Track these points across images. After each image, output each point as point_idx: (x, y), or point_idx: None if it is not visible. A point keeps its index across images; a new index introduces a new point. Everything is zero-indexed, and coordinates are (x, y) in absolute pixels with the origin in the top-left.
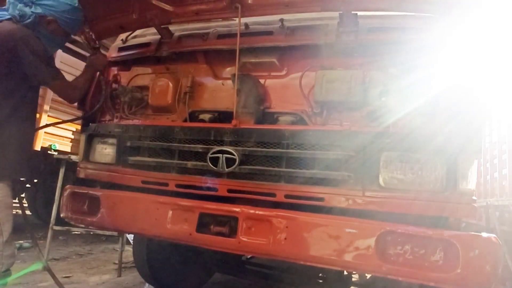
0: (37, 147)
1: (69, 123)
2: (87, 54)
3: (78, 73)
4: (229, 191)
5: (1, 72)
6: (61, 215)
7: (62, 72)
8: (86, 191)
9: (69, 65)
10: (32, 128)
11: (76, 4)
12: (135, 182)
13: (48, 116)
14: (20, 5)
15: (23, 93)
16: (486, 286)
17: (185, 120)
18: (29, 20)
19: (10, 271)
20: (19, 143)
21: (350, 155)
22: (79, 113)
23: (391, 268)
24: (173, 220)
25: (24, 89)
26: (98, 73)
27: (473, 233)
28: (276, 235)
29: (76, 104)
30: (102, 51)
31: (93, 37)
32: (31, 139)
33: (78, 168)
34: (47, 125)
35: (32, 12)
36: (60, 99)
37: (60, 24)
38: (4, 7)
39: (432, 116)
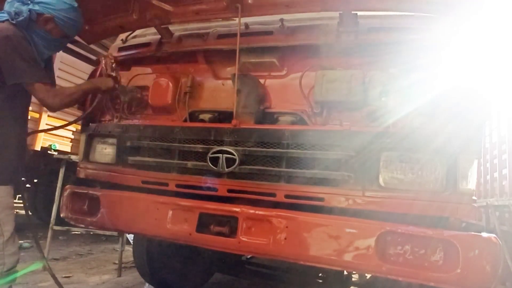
0: (37, 147)
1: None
2: (87, 54)
3: (78, 73)
4: (229, 191)
5: None
6: (61, 215)
7: (62, 72)
8: (86, 191)
9: (69, 65)
10: (25, 128)
11: (75, 5)
12: (135, 182)
13: (48, 116)
14: (17, 4)
15: (9, 93)
16: (486, 286)
17: (185, 120)
18: (23, 17)
19: (15, 269)
20: (16, 144)
21: (350, 155)
22: (80, 114)
23: (391, 268)
24: (173, 220)
25: (10, 89)
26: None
27: (473, 233)
28: (276, 235)
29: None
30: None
31: (114, 66)
32: (25, 140)
33: (78, 168)
34: (44, 130)
35: (28, 10)
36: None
37: (58, 23)
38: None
39: (432, 116)
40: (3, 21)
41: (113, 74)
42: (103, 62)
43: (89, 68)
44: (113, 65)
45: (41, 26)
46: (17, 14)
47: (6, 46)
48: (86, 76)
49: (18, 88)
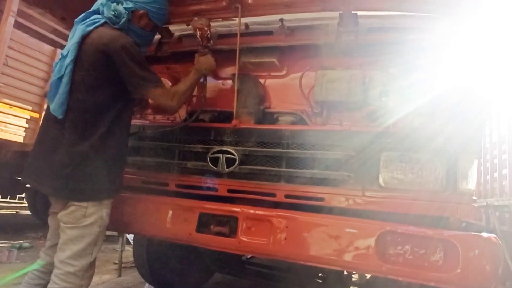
0: None
1: None
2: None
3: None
4: (229, 191)
5: (97, 85)
6: None
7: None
8: None
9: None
10: (127, 141)
11: None
12: (135, 182)
13: None
14: (113, 5)
15: (120, 107)
16: (486, 286)
17: (185, 120)
18: (124, 19)
19: None
20: (120, 159)
21: (350, 155)
22: None
23: (391, 268)
24: (173, 220)
25: (122, 102)
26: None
27: (473, 233)
28: (276, 235)
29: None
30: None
31: (209, 35)
32: (126, 153)
33: None
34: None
35: (125, 9)
36: None
37: (150, 17)
38: (93, 10)
39: (432, 116)
40: (102, 25)
41: (210, 44)
42: (198, 33)
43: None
44: (209, 35)
45: (135, 23)
46: (117, 17)
47: (124, 56)
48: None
49: (129, 98)
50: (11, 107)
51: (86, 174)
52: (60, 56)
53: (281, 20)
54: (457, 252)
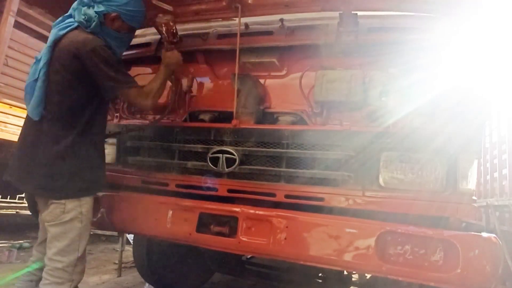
0: None
1: None
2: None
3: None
4: (229, 191)
5: (71, 87)
6: None
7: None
8: None
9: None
10: (103, 139)
11: None
12: (135, 182)
13: None
14: (83, 8)
15: (94, 107)
16: (486, 286)
17: (185, 120)
18: (94, 22)
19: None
20: (97, 157)
21: (350, 155)
22: None
23: (391, 268)
24: (173, 220)
25: (97, 102)
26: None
27: (473, 233)
28: (276, 235)
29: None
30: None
31: (175, 31)
32: (103, 151)
33: None
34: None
35: (95, 12)
36: None
37: (124, 19)
38: (69, 13)
39: (432, 116)
40: (76, 28)
41: (175, 40)
42: (164, 29)
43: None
44: (175, 30)
45: (109, 25)
46: (88, 20)
47: (94, 59)
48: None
49: (102, 100)
50: (11, 107)
51: (63, 173)
52: (34, 60)
53: (281, 20)
54: (457, 252)
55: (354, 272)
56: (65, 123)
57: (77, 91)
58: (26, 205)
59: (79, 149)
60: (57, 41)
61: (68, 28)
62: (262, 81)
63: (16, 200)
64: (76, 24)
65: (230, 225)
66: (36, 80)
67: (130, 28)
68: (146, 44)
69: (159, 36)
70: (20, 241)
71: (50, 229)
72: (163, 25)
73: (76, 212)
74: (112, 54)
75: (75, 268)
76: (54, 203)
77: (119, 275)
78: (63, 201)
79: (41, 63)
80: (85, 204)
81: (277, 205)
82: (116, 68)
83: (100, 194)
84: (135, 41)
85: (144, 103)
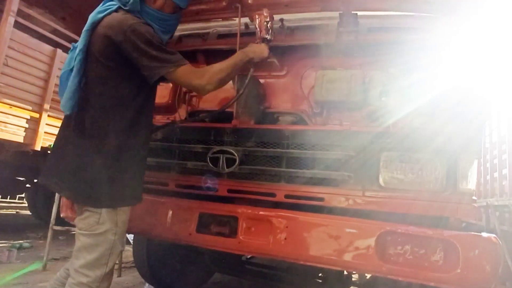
0: (37, 147)
1: None
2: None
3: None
4: (229, 191)
5: (111, 77)
6: (61, 215)
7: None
8: None
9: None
10: (148, 141)
11: None
12: None
13: (48, 116)
14: None
15: (141, 100)
16: (486, 286)
17: (185, 120)
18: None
19: None
20: (140, 162)
21: (350, 155)
22: None
23: (391, 268)
24: (173, 220)
25: (143, 96)
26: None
27: (473, 233)
28: (276, 235)
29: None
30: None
31: (269, 26)
32: (147, 155)
33: None
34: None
35: None
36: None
37: None
38: None
39: (432, 116)
40: (116, 10)
41: (268, 37)
42: (257, 21)
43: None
44: (269, 25)
45: (150, 4)
46: None
47: (132, 37)
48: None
49: (151, 89)
50: (11, 107)
51: (101, 178)
52: (71, 47)
53: (281, 20)
54: (457, 252)
55: (354, 272)
56: (105, 119)
57: (118, 81)
58: (26, 205)
59: (122, 153)
60: (95, 25)
61: (108, 11)
62: (262, 81)
63: (16, 200)
64: (116, 5)
65: (230, 225)
66: (71, 69)
67: (175, 7)
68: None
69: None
70: (20, 241)
71: (81, 238)
72: (257, 16)
73: (111, 223)
74: (153, 32)
75: (100, 284)
76: (89, 211)
77: (119, 275)
78: (99, 210)
79: (77, 50)
80: (122, 214)
81: (277, 205)
82: (159, 47)
83: None
84: None
85: (198, 83)
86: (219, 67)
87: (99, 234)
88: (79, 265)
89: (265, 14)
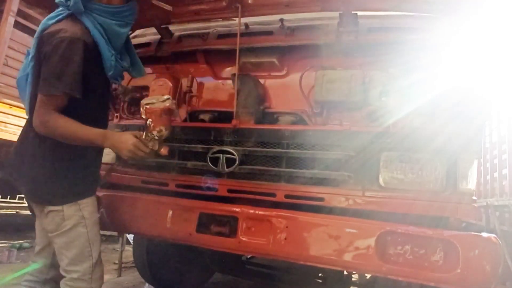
0: None
1: None
2: None
3: None
4: (229, 191)
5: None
6: None
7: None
8: None
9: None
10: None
11: None
12: (135, 182)
13: None
14: None
15: (84, 102)
16: (486, 286)
17: (185, 120)
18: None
19: None
20: (90, 155)
21: (350, 155)
22: None
23: (391, 268)
24: (173, 220)
25: (89, 97)
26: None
27: (473, 233)
28: (276, 235)
29: None
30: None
31: (155, 137)
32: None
33: None
34: None
35: None
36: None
37: None
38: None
39: (432, 116)
40: (65, 17)
41: (154, 136)
42: (147, 122)
43: None
44: (155, 136)
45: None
46: None
47: (54, 49)
48: None
49: (97, 96)
50: (11, 107)
51: (54, 175)
52: (26, 53)
53: (281, 20)
54: (457, 252)
55: (354, 272)
56: None
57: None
58: (26, 205)
59: (68, 149)
60: (44, 32)
61: (57, 18)
62: (262, 81)
63: (16, 200)
64: (67, 12)
65: (230, 225)
66: (26, 75)
67: None
68: (146, 44)
69: (159, 36)
70: (20, 241)
71: (55, 240)
72: (146, 118)
73: (77, 217)
74: (81, 55)
75: (92, 274)
76: (52, 211)
77: (119, 275)
78: (59, 207)
79: (29, 57)
80: (86, 206)
81: (277, 205)
82: (68, 69)
83: (100, 194)
84: (135, 41)
85: (37, 120)
86: (70, 127)
87: (69, 230)
88: (65, 264)
89: (157, 129)
